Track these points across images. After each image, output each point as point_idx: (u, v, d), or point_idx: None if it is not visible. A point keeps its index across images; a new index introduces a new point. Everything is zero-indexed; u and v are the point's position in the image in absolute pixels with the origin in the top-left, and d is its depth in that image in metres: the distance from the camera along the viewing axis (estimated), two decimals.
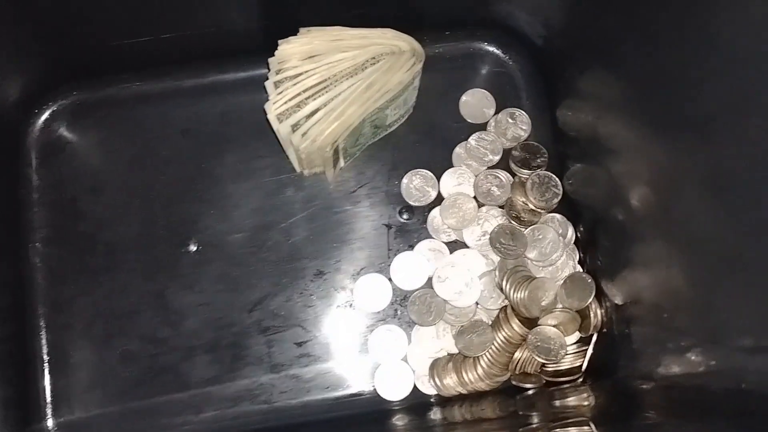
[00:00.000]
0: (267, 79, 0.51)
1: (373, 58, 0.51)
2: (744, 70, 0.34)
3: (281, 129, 0.50)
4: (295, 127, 0.50)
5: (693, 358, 0.40)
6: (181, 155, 0.59)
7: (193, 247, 0.57)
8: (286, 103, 0.50)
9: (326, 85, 0.50)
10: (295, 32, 0.51)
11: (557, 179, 0.56)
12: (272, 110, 0.50)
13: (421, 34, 0.53)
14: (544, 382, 0.54)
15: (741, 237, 0.36)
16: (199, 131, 0.59)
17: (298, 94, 0.50)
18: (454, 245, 0.57)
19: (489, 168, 0.58)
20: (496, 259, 0.56)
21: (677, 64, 0.40)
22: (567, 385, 0.53)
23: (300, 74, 0.50)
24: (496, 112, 0.59)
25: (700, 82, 0.38)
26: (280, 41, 0.51)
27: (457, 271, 0.55)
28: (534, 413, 0.49)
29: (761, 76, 0.33)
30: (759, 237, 0.34)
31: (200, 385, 0.55)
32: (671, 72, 0.41)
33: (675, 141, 0.41)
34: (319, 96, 0.50)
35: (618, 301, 0.51)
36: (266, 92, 0.51)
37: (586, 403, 0.49)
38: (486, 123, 0.59)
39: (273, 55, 0.51)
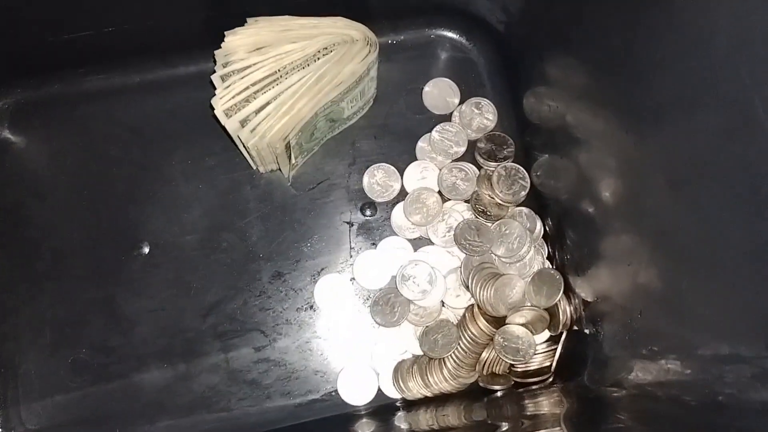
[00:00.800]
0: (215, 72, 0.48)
1: (325, 48, 0.48)
2: (694, 59, 0.33)
3: (229, 125, 0.47)
4: (243, 123, 0.48)
5: (667, 366, 0.38)
6: (129, 155, 0.56)
7: (143, 251, 0.54)
8: (233, 97, 0.47)
9: (275, 78, 0.48)
10: (241, 21, 0.49)
11: (525, 171, 0.54)
12: (219, 105, 0.47)
13: (379, 21, 0.51)
14: (513, 383, 0.52)
15: (706, 233, 0.34)
16: (148, 129, 0.56)
17: (246, 88, 0.47)
18: (419, 242, 0.55)
19: (454, 161, 0.55)
20: (462, 255, 0.53)
21: (630, 51, 0.38)
22: (536, 386, 0.51)
23: (248, 67, 0.48)
24: (461, 102, 0.57)
25: (652, 70, 0.36)
26: (226, 33, 0.48)
27: (422, 270, 0.52)
28: (503, 422, 0.46)
29: (714, 59, 0.31)
30: (723, 234, 0.32)
31: (153, 394, 0.53)
32: (624, 59, 0.39)
33: (634, 130, 0.40)
34: (268, 89, 0.47)
35: (588, 297, 0.49)
36: (214, 87, 0.48)
37: (557, 408, 0.47)
38: (450, 113, 0.57)
39: (219, 49, 0.48)
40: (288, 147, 0.49)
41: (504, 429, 0.47)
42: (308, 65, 0.48)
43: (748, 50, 0.30)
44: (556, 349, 0.51)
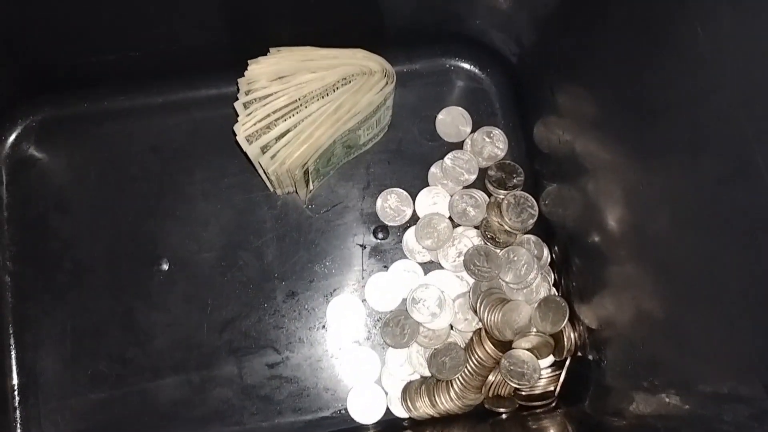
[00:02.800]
0: (237, 98, 0.50)
1: (344, 78, 0.50)
2: (701, 106, 0.34)
3: (250, 150, 0.49)
4: (264, 149, 0.49)
5: (667, 400, 0.40)
6: (150, 173, 0.58)
7: (161, 266, 0.56)
8: (255, 124, 0.49)
9: (296, 107, 0.49)
10: (263, 49, 0.50)
11: (533, 200, 0.55)
12: (241, 131, 0.49)
13: (394, 50, 0.52)
14: (518, 405, 0.53)
15: (707, 271, 0.35)
16: (168, 148, 0.58)
17: (267, 116, 0.49)
18: (430, 266, 0.56)
19: (465, 187, 0.57)
20: (471, 280, 0.55)
21: (639, 91, 0.40)
22: (540, 410, 0.53)
23: (269, 95, 0.49)
24: (473, 131, 0.58)
25: (661, 110, 0.37)
26: (249, 61, 0.50)
27: (432, 293, 0.54)
28: None
29: (718, 110, 0.33)
30: (723, 274, 0.34)
31: (168, 406, 0.54)
32: (633, 97, 0.40)
33: (642, 165, 0.41)
34: (289, 117, 0.49)
35: (592, 325, 0.50)
36: (236, 112, 0.50)
37: None
38: (462, 141, 0.58)
39: (242, 73, 0.50)
40: (306, 173, 0.50)
41: None
42: (327, 95, 0.50)
43: (752, 105, 0.31)
44: (560, 374, 0.53)
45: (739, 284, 0.33)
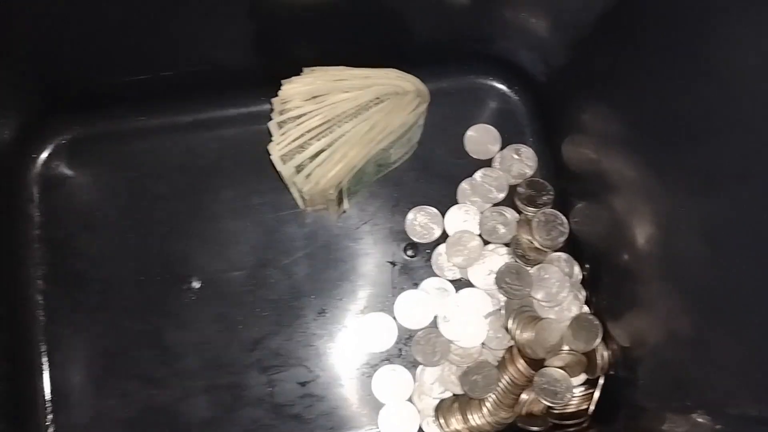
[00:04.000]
0: (266, 115, 0.50)
1: (377, 98, 0.50)
2: (749, 125, 0.34)
3: (284, 170, 0.49)
4: (298, 169, 0.49)
5: (699, 421, 0.40)
6: (179, 191, 0.58)
7: (191, 285, 0.56)
8: (289, 144, 0.49)
9: (329, 126, 0.49)
10: (293, 68, 0.50)
11: (563, 218, 0.55)
12: (276, 151, 0.49)
13: (424, 69, 0.52)
14: (551, 424, 0.53)
15: (741, 296, 0.35)
16: (197, 167, 0.58)
17: (302, 135, 0.49)
18: (460, 283, 0.56)
19: (494, 205, 0.57)
20: (502, 298, 0.55)
21: (677, 112, 0.40)
22: (573, 429, 0.53)
23: (303, 115, 0.49)
24: (501, 148, 0.58)
25: (703, 133, 0.37)
26: (283, 81, 0.50)
27: (463, 311, 0.54)
28: None
29: (759, 136, 0.33)
30: (758, 300, 0.34)
31: (199, 426, 0.54)
32: (669, 119, 0.40)
33: (675, 185, 0.41)
34: (323, 137, 0.49)
35: (624, 343, 0.50)
36: (270, 132, 0.50)
37: None
38: (490, 159, 0.58)
39: (272, 92, 0.50)
40: (341, 192, 0.50)
41: None
42: (360, 114, 0.50)
43: None
44: (593, 392, 0.53)
45: None
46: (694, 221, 0.39)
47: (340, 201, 0.52)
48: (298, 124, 0.49)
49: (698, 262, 0.39)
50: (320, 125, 0.49)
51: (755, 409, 0.35)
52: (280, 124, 0.50)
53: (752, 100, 0.33)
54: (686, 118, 0.39)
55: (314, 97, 0.50)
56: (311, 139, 0.49)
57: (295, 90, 0.50)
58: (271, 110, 0.51)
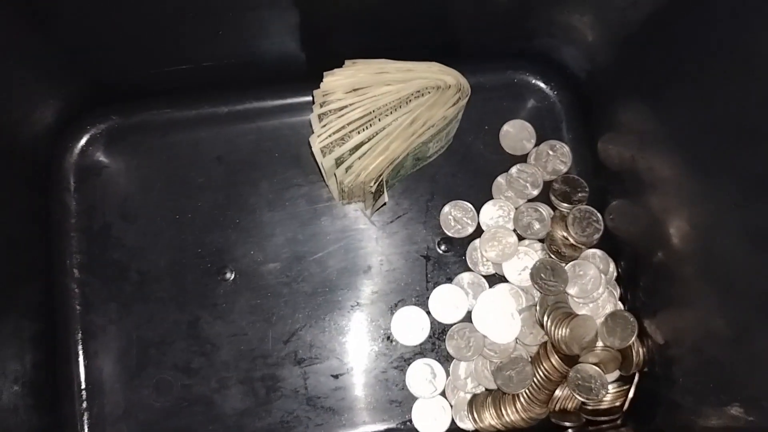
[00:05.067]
0: (305, 107, 0.51)
1: (418, 91, 0.50)
2: None
3: (325, 162, 0.49)
4: (339, 161, 0.49)
5: (735, 413, 0.40)
6: (215, 182, 0.58)
7: (227, 276, 0.56)
8: (330, 136, 0.49)
9: (370, 119, 0.49)
10: (333, 61, 0.51)
11: (599, 214, 0.55)
12: (317, 143, 0.49)
13: (462, 63, 0.52)
14: (584, 420, 0.53)
15: None
16: (234, 158, 0.58)
17: (342, 127, 0.49)
18: (494, 279, 0.57)
19: (529, 201, 0.57)
20: (536, 294, 0.55)
21: (729, 116, 0.39)
22: (607, 425, 0.53)
23: (344, 107, 0.50)
24: (536, 145, 0.58)
25: (753, 138, 0.37)
26: (325, 73, 0.50)
27: (497, 306, 0.54)
28: None
29: None
30: None
31: (234, 417, 0.54)
32: (720, 122, 0.40)
33: (719, 187, 0.41)
34: (363, 130, 0.49)
35: (659, 340, 0.50)
36: (307, 121, 0.50)
37: None
38: (525, 155, 0.59)
39: (313, 84, 0.50)
40: (380, 185, 0.51)
41: None
42: (402, 107, 0.50)
43: None
44: (628, 389, 0.53)
45: None
46: (740, 225, 0.39)
47: (378, 195, 0.53)
48: (339, 116, 0.49)
49: (741, 264, 0.39)
50: (361, 117, 0.49)
51: None
52: (321, 117, 0.50)
53: None
54: (735, 121, 0.39)
55: (356, 90, 0.50)
56: (352, 131, 0.49)
57: (336, 82, 0.50)
58: (312, 102, 0.51)
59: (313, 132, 0.50)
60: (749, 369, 0.39)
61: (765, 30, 0.36)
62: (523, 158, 0.59)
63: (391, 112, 0.50)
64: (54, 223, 0.57)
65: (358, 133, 0.49)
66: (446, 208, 0.57)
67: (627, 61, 0.51)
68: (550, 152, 0.58)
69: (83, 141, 0.58)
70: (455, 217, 0.57)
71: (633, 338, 0.52)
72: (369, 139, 0.49)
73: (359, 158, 0.49)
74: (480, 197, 0.58)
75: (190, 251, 0.57)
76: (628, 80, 0.51)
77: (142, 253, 0.57)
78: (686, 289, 0.46)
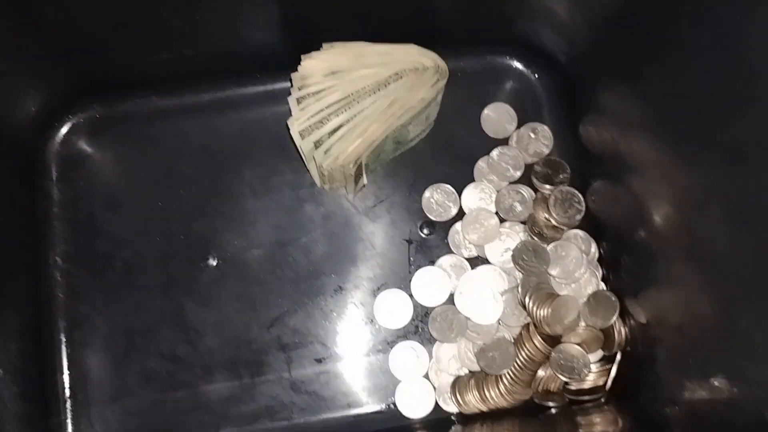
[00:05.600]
0: (287, 94, 0.51)
1: (396, 74, 0.50)
2: None
3: (304, 145, 0.50)
4: (317, 144, 0.50)
5: (717, 385, 0.40)
6: (200, 171, 0.58)
7: (211, 264, 0.56)
8: (308, 119, 0.49)
9: (349, 102, 0.50)
10: (314, 47, 0.51)
11: (580, 195, 0.55)
12: (295, 126, 0.49)
13: (442, 47, 0.52)
14: (567, 400, 0.53)
15: (764, 266, 0.36)
16: (218, 147, 0.58)
17: (321, 110, 0.49)
18: (476, 261, 0.57)
19: (511, 183, 0.57)
20: (519, 275, 0.55)
21: (705, 91, 0.39)
22: (590, 404, 0.53)
23: (322, 90, 0.50)
24: (518, 127, 0.59)
25: (729, 111, 0.37)
26: (303, 56, 0.50)
27: (479, 288, 0.54)
28: None
29: None
30: None
31: (219, 403, 0.55)
32: (697, 98, 0.40)
33: (699, 165, 0.41)
34: (342, 112, 0.50)
35: (642, 320, 0.50)
36: (289, 108, 0.50)
37: (610, 427, 0.49)
38: (507, 138, 0.59)
39: (294, 70, 0.51)
40: (359, 168, 0.51)
41: None
42: (380, 90, 0.50)
43: None
44: (610, 368, 0.53)
45: None
46: (719, 200, 0.39)
47: (358, 177, 0.53)
48: (317, 100, 0.50)
49: (723, 243, 0.39)
50: (340, 100, 0.50)
51: None
52: (300, 100, 0.50)
53: None
54: (712, 96, 0.39)
55: (334, 73, 0.50)
56: (330, 114, 0.50)
57: (314, 65, 0.50)
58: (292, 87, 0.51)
59: (291, 115, 0.50)
60: (732, 342, 0.39)
61: (742, 7, 0.36)
62: (505, 141, 0.59)
63: (369, 95, 0.50)
64: (38, 214, 0.57)
65: (337, 115, 0.50)
66: (428, 192, 0.58)
67: (606, 43, 0.51)
68: (532, 135, 0.58)
69: (66, 131, 0.58)
70: (437, 200, 0.58)
71: (615, 317, 0.52)
72: (347, 122, 0.50)
73: (338, 141, 0.50)
74: (462, 181, 0.58)
75: (174, 240, 0.57)
76: (608, 62, 0.51)
77: (127, 242, 0.57)
78: (668, 269, 0.46)
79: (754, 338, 0.37)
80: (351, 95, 0.50)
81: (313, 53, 0.50)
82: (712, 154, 0.39)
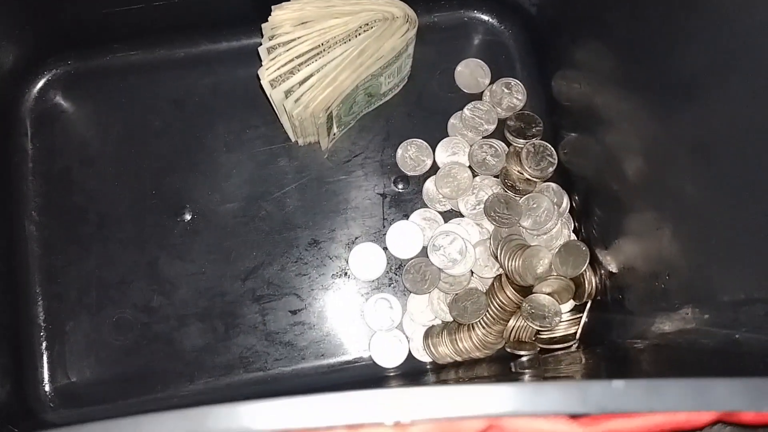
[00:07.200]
0: (260, 45, 0.51)
1: (366, 24, 0.50)
2: (726, 28, 0.34)
3: (274, 95, 0.50)
4: (288, 93, 0.50)
5: (686, 315, 0.40)
6: (173, 126, 0.58)
7: (185, 217, 0.57)
8: (279, 69, 0.49)
9: (319, 51, 0.50)
10: None
11: (552, 148, 0.56)
12: (265, 76, 0.49)
13: (414, 2, 0.52)
14: (539, 349, 0.54)
15: (729, 201, 0.36)
16: (191, 102, 0.59)
17: (291, 60, 0.50)
18: (449, 214, 0.57)
19: (484, 137, 0.58)
20: (491, 227, 0.55)
21: (660, 29, 0.40)
22: (561, 353, 0.53)
23: (293, 40, 0.50)
24: (491, 82, 0.59)
25: (682, 44, 0.38)
26: (273, 7, 0.50)
27: (452, 240, 0.55)
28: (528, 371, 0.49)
29: (742, 36, 0.33)
30: (745, 198, 0.35)
31: (193, 354, 0.55)
32: (655, 37, 0.41)
33: (662, 108, 0.41)
34: (312, 62, 0.50)
35: (612, 269, 0.51)
36: (260, 58, 0.51)
37: (578, 366, 0.49)
38: (481, 93, 0.59)
39: (266, 22, 0.51)
40: (330, 117, 0.51)
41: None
42: (350, 40, 0.50)
43: None
44: (581, 317, 0.53)
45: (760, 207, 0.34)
46: (684, 142, 0.39)
47: (330, 128, 0.53)
48: (287, 49, 0.50)
49: (688, 184, 0.40)
50: (310, 50, 0.50)
51: (743, 292, 0.35)
52: (270, 50, 0.50)
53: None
54: (665, 35, 0.39)
55: (304, 23, 0.50)
56: (301, 64, 0.50)
57: (285, 16, 0.50)
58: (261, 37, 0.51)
59: (262, 65, 0.50)
60: (701, 276, 0.40)
61: None
62: (478, 96, 0.59)
63: (339, 45, 0.50)
64: (13, 168, 0.57)
65: (307, 65, 0.50)
66: (402, 147, 0.58)
67: None
68: (505, 89, 0.59)
69: (40, 85, 0.59)
70: (411, 155, 0.58)
71: (585, 265, 0.53)
72: (317, 71, 0.50)
73: (308, 90, 0.50)
74: (436, 136, 0.58)
75: (148, 193, 0.57)
76: (574, 14, 0.52)
77: (101, 195, 0.57)
78: (638, 218, 0.47)
79: (723, 270, 0.37)
80: (321, 45, 0.50)
81: (284, 4, 0.51)
82: (671, 95, 0.40)
